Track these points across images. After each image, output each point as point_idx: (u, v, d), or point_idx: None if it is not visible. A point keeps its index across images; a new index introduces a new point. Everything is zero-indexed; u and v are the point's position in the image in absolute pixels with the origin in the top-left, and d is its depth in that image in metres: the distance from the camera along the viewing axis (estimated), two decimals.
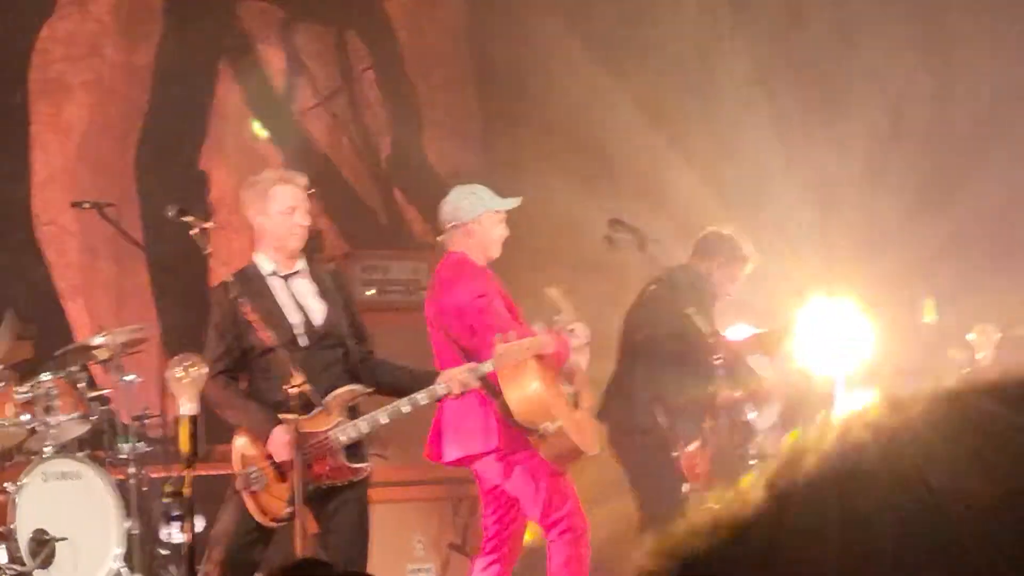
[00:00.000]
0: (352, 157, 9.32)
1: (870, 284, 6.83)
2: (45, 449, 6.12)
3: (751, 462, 6.84)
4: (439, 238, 5.60)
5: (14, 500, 5.89)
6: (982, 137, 7.91)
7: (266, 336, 4.89)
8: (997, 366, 6.61)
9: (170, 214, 5.13)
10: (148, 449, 6.58)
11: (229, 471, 5.19)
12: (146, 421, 6.70)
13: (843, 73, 8.14)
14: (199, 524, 5.22)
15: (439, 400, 5.20)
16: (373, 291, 7.62)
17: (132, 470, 6.39)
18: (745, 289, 6.51)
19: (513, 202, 5.56)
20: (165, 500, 6.06)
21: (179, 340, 6.68)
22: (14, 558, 5.85)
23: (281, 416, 4.91)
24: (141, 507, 6.31)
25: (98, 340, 6.45)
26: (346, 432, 4.97)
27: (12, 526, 5.87)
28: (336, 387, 5.00)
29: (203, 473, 5.42)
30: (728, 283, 6.36)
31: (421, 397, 5.02)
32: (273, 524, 4.99)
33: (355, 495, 5.07)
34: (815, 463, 0.89)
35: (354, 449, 5.04)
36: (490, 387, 5.27)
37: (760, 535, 0.87)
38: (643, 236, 5.89)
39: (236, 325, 4.97)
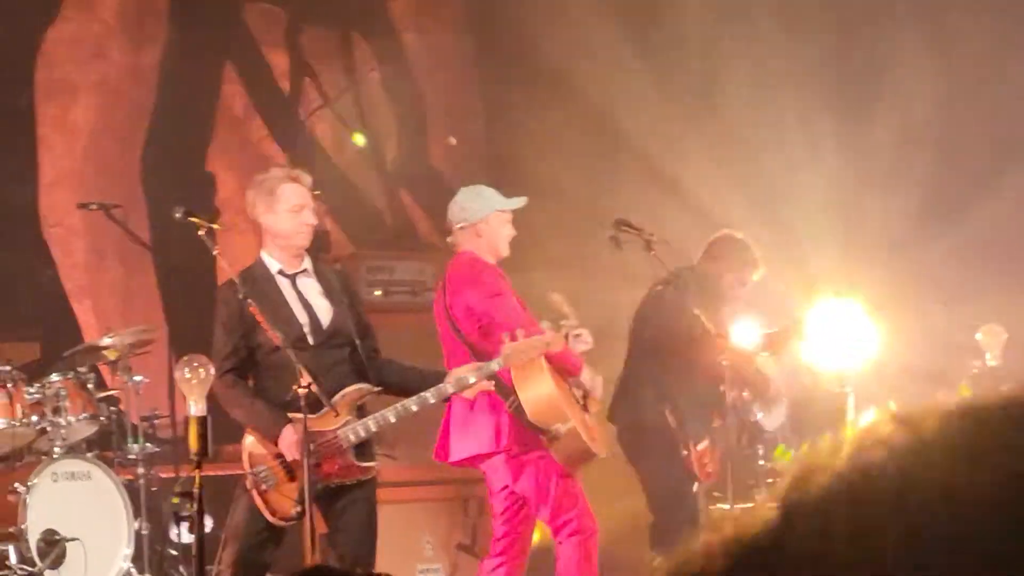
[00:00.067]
0: (357, 158, 9.33)
1: (878, 286, 6.83)
2: (55, 450, 6.13)
3: (760, 462, 6.86)
4: (448, 239, 5.61)
5: (24, 501, 5.90)
6: (995, 141, 7.91)
7: (273, 335, 4.89)
8: (1004, 366, 6.64)
9: (177, 215, 5.13)
10: (157, 450, 6.60)
11: (238, 471, 5.20)
12: (155, 422, 6.72)
13: (856, 75, 8.13)
14: (208, 524, 5.23)
15: (447, 399, 5.20)
16: (379, 292, 7.63)
17: (141, 470, 6.41)
18: (754, 289, 6.52)
19: (519, 202, 5.59)
20: (174, 500, 6.06)
21: (187, 341, 6.69)
22: (24, 558, 5.86)
23: (290, 415, 4.91)
24: (150, 507, 6.33)
25: (106, 341, 6.46)
26: (355, 431, 4.98)
27: (22, 526, 5.88)
28: (343, 386, 5.00)
29: (212, 473, 5.43)
30: (738, 287, 6.37)
31: (430, 396, 5.02)
32: (282, 523, 5.00)
33: (363, 494, 5.07)
34: (826, 481, 0.88)
35: (363, 448, 5.04)
36: (501, 387, 5.28)
37: (770, 554, 0.87)
38: (648, 236, 5.90)
39: (243, 323, 4.97)
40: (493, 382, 5.20)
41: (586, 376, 5.47)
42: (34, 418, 6.12)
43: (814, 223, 7.80)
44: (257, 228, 5.35)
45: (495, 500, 5.52)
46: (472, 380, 5.07)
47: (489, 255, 5.50)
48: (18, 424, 6.11)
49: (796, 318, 6.44)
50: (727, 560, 0.89)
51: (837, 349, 6.18)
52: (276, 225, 5.11)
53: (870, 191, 7.81)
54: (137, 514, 6.21)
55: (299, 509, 4.87)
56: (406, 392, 5.08)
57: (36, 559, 5.85)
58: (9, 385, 6.12)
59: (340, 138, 9.29)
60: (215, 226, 5.26)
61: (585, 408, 5.49)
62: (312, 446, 4.82)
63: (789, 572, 0.86)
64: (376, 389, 5.09)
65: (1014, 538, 0.82)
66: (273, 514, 4.97)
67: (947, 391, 6.83)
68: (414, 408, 5.00)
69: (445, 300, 5.49)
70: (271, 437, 4.97)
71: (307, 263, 5.18)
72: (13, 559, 5.89)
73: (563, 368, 5.38)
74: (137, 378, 6.50)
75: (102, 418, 6.37)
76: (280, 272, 5.14)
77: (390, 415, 5.00)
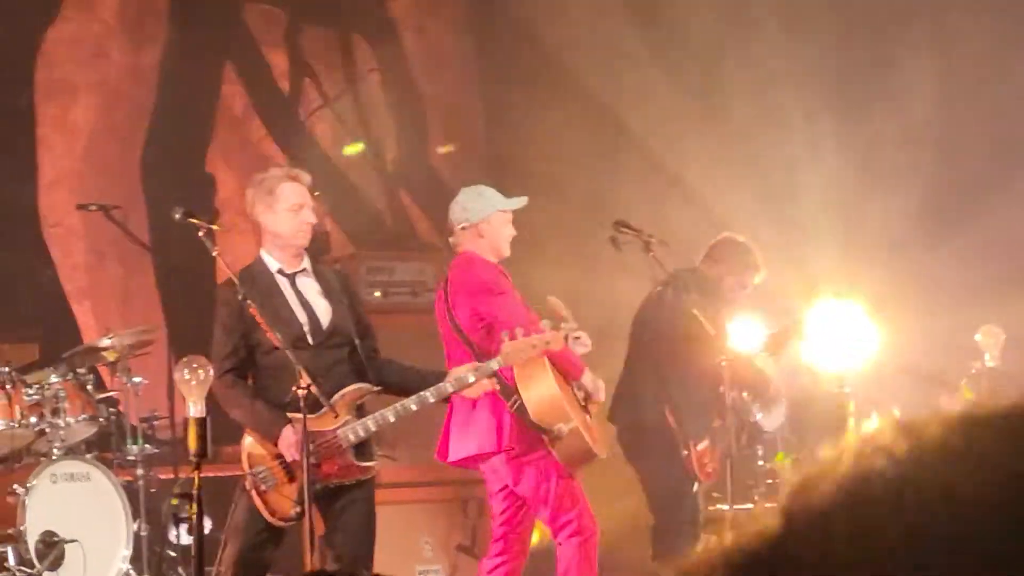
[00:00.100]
0: (357, 159, 9.33)
1: (878, 287, 6.83)
2: (54, 451, 6.12)
3: (759, 463, 6.86)
4: (450, 240, 5.61)
5: (23, 502, 5.90)
6: (996, 142, 7.90)
7: (273, 337, 4.89)
8: (1003, 367, 6.64)
9: (176, 216, 5.12)
10: (156, 451, 6.60)
11: (237, 472, 5.19)
12: (154, 423, 6.72)
13: (858, 75, 8.12)
14: (207, 526, 5.22)
15: (447, 399, 5.20)
16: (378, 293, 7.62)
17: (140, 472, 6.41)
18: (755, 289, 6.51)
19: (520, 202, 5.59)
20: (173, 502, 6.07)
21: (186, 342, 6.69)
22: (23, 560, 5.86)
23: (289, 415, 4.91)
24: (149, 509, 6.32)
25: (106, 342, 6.46)
26: (355, 431, 4.97)
27: (21, 528, 5.88)
28: (342, 386, 5.00)
29: (211, 475, 5.43)
30: (738, 290, 6.37)
31: (429, 395, 5.02)
32: (282, 524, 4.99)
33: (363, 494, 5.07)
34: (827, 489, 0.87)
35: (362, 448, 5.04)
36: (504, 386, 5.27)
37: (772, 561, 0.87)
38: (647, 237, 5.90)
39: (243, 323, 4.97)
40: (496, 382, 5.20)
41: (588, 379, 5.47)
42: (33, 419, 6.12)
43: (815, 223, 7.80)
44: (257, 229, 5.35)
45: (494, 500, 5.52)
46: (471, 379, 5.06)
47: (491, 255, 5.50)
48: (17, 425, 6.11)
49: (796, 318, 6.44)
50: (729, 569, 0.88)
51: (837, 349, 6.18)
52: (276, 224, 5.11)
53: (871, 191, 7.81)
54: (136, 515, 6.21)
55: (299, 509, 4.86)
56: (406, 392, 5.07)
57: (35, 560, 5.85)
58: (8, 386, 6.12)
59: (340, 138, 9.29)
60: (215, 227, 5.26)
61: (586, 409, 5.49)
62: (311, 446, 4.82)
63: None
64: (375, 389, 5.09)
65: (1014, 539, 0.82)
66: (272, 515, 4.97)
67: (946, 391, 6.83)
68: (414, 408, 5.00)
69: (447, 300, 5.49)
70: (271, 438, 4.96)
71: (306, 262, 5.18)
72: (12, 560, 5.88)
73: (565, 370, 5.38)
74: (136, 379, 6.50)
75: (101, 419, 6.36)
76: (279, 271, 5.13)
77: (389, 415, 4.99)
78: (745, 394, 6.47)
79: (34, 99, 8.23)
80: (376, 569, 5.15)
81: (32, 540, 5.88)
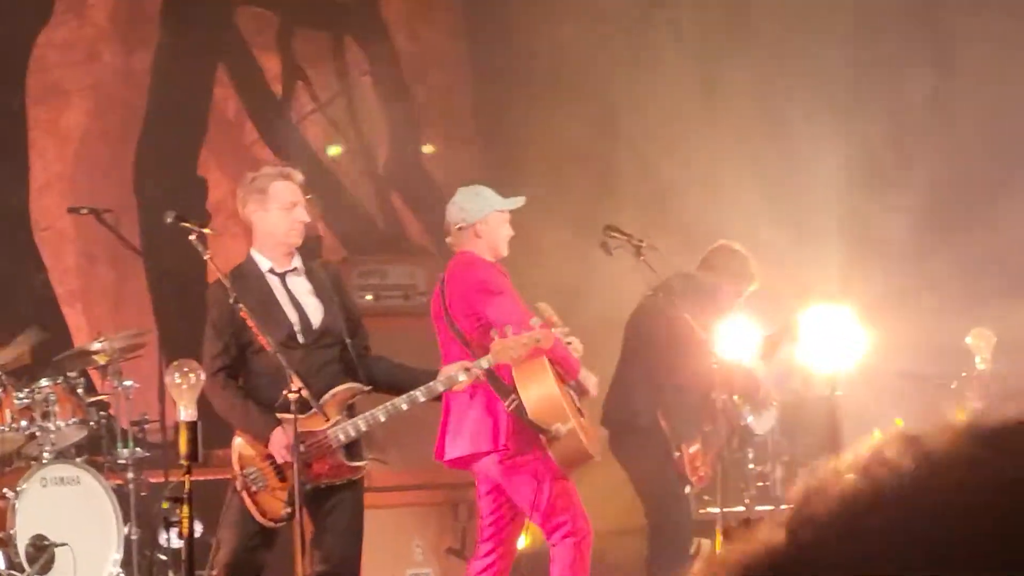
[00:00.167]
0: (349, 162, 9.33)
1: (871, 291, 6.85)
2: (44, 455, 6.11)
3: (750, 466, 6.87)
4: (447, 240, 5.60)
5: (13, 506, 5.89)
6: (995, 149, 7.92)
7: (264, 341, 4.89)
8: (994, 370, 6.65)
9: (168, 220, 5.12)
10: (147, 454, 6.58)
11: (228, 476, 5.19)
12: (145, 426, 6.71)
13: (854, 77, 8.13)
14: (198, 529, 5.22)
15: (438, 398, 5.19)
16: (370, 296, 7.62)
17: (131, 475, 6.39)
18: (749, 295, 6.53)
19: (518, 201, 5.58)
20: (164, 505, 6.06)
21: (177, 345, 6.68)
22: (13, 564, 5.85)
23: (280, 416, 4.91)
24: (140, 512, 6.31)
25: (96, 345, 6.45)
26: (345, 431, 4.97)
27: (11, 532, 5.86)
28: (333, 385, 5.00)
29: (202, 478, 5.42)
30: (733, 298, 6.39)
31: (419, 394, 5.01)
32: (272, 525, 4.99)
33: (352, 494, 5.07)
34: (832, 503, 0.87)
35: (352, 447, 5.03)
36: (501, 386, 5.27)
37: (779, 573, 0.86)
38: (637, 242, 5.92)
39: (233, 324, 4.96)
40: (491, 380, 5.20)
41: (582, 373, 5.47)
42: (23, 423, 6.11)
43: (811, 227, 7.80)
44: (248, 231, 5.34)
45: (483, 501, 5.52)
46: (462, 378, 5.06)
47: (488, 255, 5.50)
48: (7, 429, 6.10)
49: (790, 322, 6.45)
50: None
51: (828, 353, 6.19)
52: (268, 223, 5.09)
53: (868, 195, 7.82)
54: (127, 519, 6.20)
55: (289, 510, 4.86)
56: (396, 390, 5.06)
57: (25, 564, 5.84)
58: None
59: (332, 141, 9.29)
60: (206, 230, 5.25)
61: (580, 412, 5.50)
62: (302, 447, 4.82)
63: None
64: (366, 389, 5.08)
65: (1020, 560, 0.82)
66: (263, 515, 4.97)
67: (937, 394, 6.84)
68: (404, 407, 5.00)
69: (444, 300, 5.48)
70: (261, 439, 4.96)
71: (297, 261, 5.17)
72: (2, 564, 5.87)
73: (562, 368, 5.37)
74: (127, 383, 6.49)
75: (92, 423, 6.35)
76: (270, 271, 5.12)
77: (380, 414, 4.99)
78: (736, 398, 6.49)
79: (26, 102, 8.22)
80: (366, 572, 5.15)
81: (22, 544, 5.87)
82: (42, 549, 5.88)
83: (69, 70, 8.39)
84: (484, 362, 5.08)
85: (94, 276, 8.30)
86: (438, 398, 5.19)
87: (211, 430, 5.57)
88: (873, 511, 0.85)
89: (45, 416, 6.12)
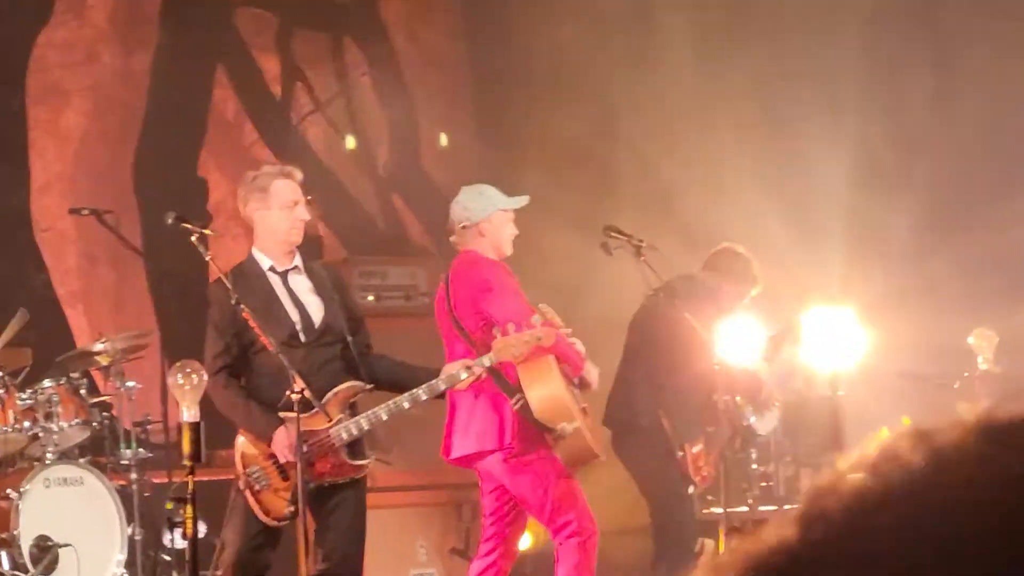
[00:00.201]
0: (349, 163, 9.33)
1: (872, 292, 6.86)
2: (47, 455, 6.11)
3: (753, 466, 6.88)
4: (451, 238, 5.60)
5: (16, 506, 5.89)
6: (994, 153, 7.92)
7: (266, 341, 4.89)
8: (996, 370, 6.66)
9: (169, 220, 5.12)
10: (150, 455, 6.59)
11: (231, 476, 5.19)
12: (147, 427, 6.71)
13: (853, 79, 8.14)
14: (201, 530, 5.22)
15: (441, 395, 5.19)
16: (371, 297, 7.62)
17: (134, 476, 6.40)
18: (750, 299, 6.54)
19: (522, 200, 5.59)
20: (167, 506, 6.06)
21: (179, 346, 6.68)
22: (17, 564, 5.85)
23: (282, 415, 4.91)
24: (143, 513, 6.32)
25: (98, 346, 6.45)
26: (347, 429, 4.97)
27: (15, 532, 5.86)
28: (335, 384, 5.00)
29: (205, 478, 5.43)
30: (735, 300, 6.40)
31: (422, 392, 5.01)
32: (275, 523, 4.99)
33: (354, 493, 5.07)
34: (844, 499, 0.87)
35: (355, 446, 5.04)
36: (506, 384, 5.28)
37: (788, 574, 0.87)
38: (638, 243, 5.93)
39: (235, 323, 4.97)
40: (496, 379, 5.21)
41: (586, 367, 5.48)
42: (26, 424, 6.11)
43: (812, 227, 7.81)
44: (248, 230, 5.34)
45: (487, 499, 5.52)
46: (463, 376, 5.06)
47: (492, 254, 5.51)
48: (10, 430, 6.09)
49: (791, 322, 6.46)
50: None
51: (830, 353, 6.20)
52: (270, 221, 5.10)
53: (869, 197, 7.82)
54: (130, 520, 6.20)
55: (292, 509, 4.87)
56: (398, 388, 5.07)
57: (29, 565, 5.84)
58: (1, 391, 6.11)
59: (331, 142, 9.29)
60: (207, 231, 5.27)
61: (584, 411, 5.51)
62: (305, 446, 4.82)
63: None
64: (368, 387, 5.08)
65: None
66: (267, 514, 4.97)
67: (939, 394, 6.85)
68: (406, 406, 5.00)
69: (448, 298, 5.49)
70: (264, 439, 4.96)
71: (298, 260, 5.18)
72: (6, 565, 5.87)
73: (565, 364, 5.38)
74: (130, 383, 6.49)
75: (94, 423, 6.35)
76: (271, 269, 5.13)
77: (382, 413, 4.99)
78: (738, 398, 6.50)
79: (26, 103, 8.22)
80: (370, 572, 5.16)
81: (26, 545, 5.87)
82: (46, 550, 5.88)
83: (69, 71, 8.38)
84: (486, 360, 5.08)
85: (95, 277, 8.30)
86: (440, 396, 5.19)
87: (214, 430, 5.58)
88: (883, 508, 0.85)
89: (48, 417, 6.12)
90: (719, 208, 7.67)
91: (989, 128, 7.92)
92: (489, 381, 5.29)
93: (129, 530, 6.16)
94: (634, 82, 8.49)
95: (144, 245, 7.91)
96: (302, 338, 5.03)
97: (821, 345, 5.94)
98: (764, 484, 6.91)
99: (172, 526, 6.01)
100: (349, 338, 5.09)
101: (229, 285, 4.94)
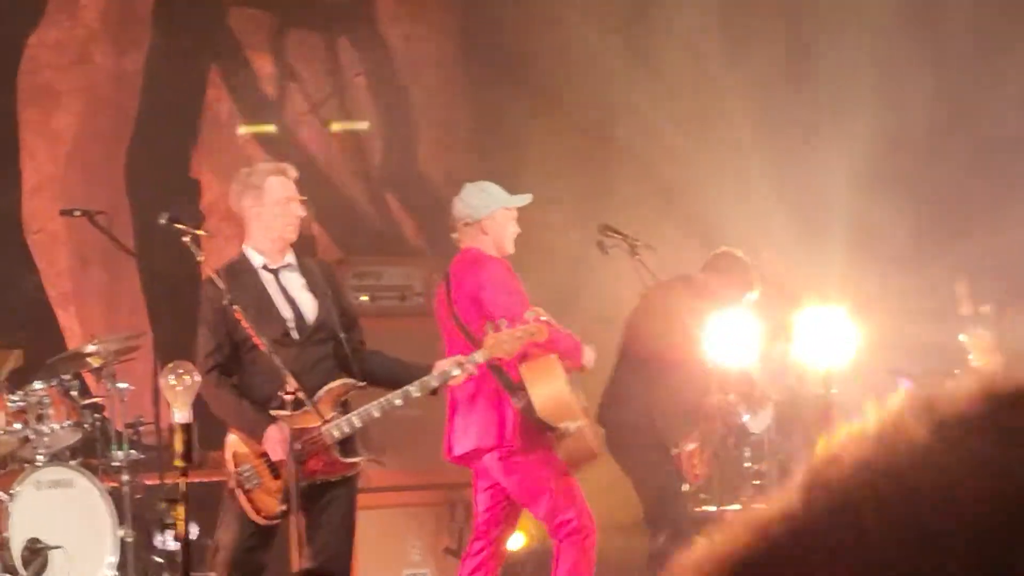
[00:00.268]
0: (344, 163, 9.32)
1: (866, 292, 6.86)
2: (38, 457, 6.10)
3: (746, 464, 6.88)
4: (453, 236, 5.60)
5: (7, 509, 5.87)
6: (991, 151, 7.92)
7: (259, 342, 4.88)
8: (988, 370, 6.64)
9: (162, 221, 5.11)
10: (141, 457, 6.57)
11: (224, 478, 5.18)
12: (139, 428, 6.69)
13: (853, 80, 8.13)
14: (193, 531, 5.21)
15: (434, 392, 5.17)
16: (366, 297, 7.61)
17: (125, 478, 6.38)
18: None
19: (525, 199, 5.59)
20: (159, 508, 6.05)
21: (172, 347, 6.66)
22: (7, 567, 5.83)
23: (274, 413, 4.90)
24: (135, 515, 6.30)
25: (90, 348, 6.44)
26: (339, 427, 4.96)
27: (5, 535, 5.85)
28: (328, 381, 4.99)
29: (197, 480, 5.41)
30: (732, 302, 6.41)
31: (413, 389, 4.99)
32: (267, 522, 4.98)
33: (345, 491, 5.06)
34: (849, 466, 0.87)
35: (347, 444, 5.02)
36: (509, 383, 5.27)
37: (792, 541, 0.86)
38: (633, 241, 5.92)
39: (227, 322, 4.95)
40: (498, 377, 5.20)
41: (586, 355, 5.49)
42: (17, 426, 6.09)
43: (807, 229, 7.81)
44: (241, 231, 5.33)
45: (480, 496, 5.52)
46: (455, 373, 5.05)
47: (494, 252, 5.51)
48: (1, 432, 6.08)
49: (784, 322, 6.46)
50: (748, 549, 0.87)
51: (822, 352, 6.20)
52: (265, 218, 5.08)
53: (866, 200, 7.82)
54: (122, 521, 6.19)
55: (284, 507, 4.85)
56: (392, 384, 5.05)
57: (19, 568, 5.82)
58: None
59: (326, 143, 9.27)
60: (200, 232, 5.26)
61: (585, 411, 5.51)
62: (297, 444, 4.81)
63: (811, 558, 0.85)
64: (360, 384, 5.07)
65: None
66: (258, 513, 4.96)
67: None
68: (398, 403, 4.99)
69: (449, 296, 5.48)
70: (255, 437, 4.95)
71: (291, 257, 5.17)
72: None
73: (564, 356, 5.37)
74: (121, 385, 6.47)
75: (86, 425, 6.34)
76: (264, 267, 5.12)
77: (374, 410, 4.98)
78: (732, 397, 6.50)
79: (17, 104, 8.20)
80: (363, 572, 5.14)
81: (17, 547, 5.85)
82: (37, 552, 5.86)
83: (61, 71, 8.36)
84: (478, 356, 5.07)
85: (87, 278, 8.28)
86: (434, 393, 5.17)
87: (206, 432, 5.57)
88: (887, 477, 0.85)
89: (39, 419, 6.11)
90: (718, 209, 7.66)
91: (989, 129, 7.92)
92: (490, 379, 5.29)
93: (120, 532, 6.14)
94: (632, 83, 8.48)
95: (136, 246, 7.89)
96: (295, 336, 5.02)
97: (814, 343, 5.95)
98: (757, 482, 6.91)
99: (164, 528, 6.00)
100: (342, 335, 5.08)
101: (222, 284, 4.93)
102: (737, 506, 6.73)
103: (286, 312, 5.05)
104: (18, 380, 6.32)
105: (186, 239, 5.03)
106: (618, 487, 6.36)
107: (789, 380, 6.98)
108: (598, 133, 8.54)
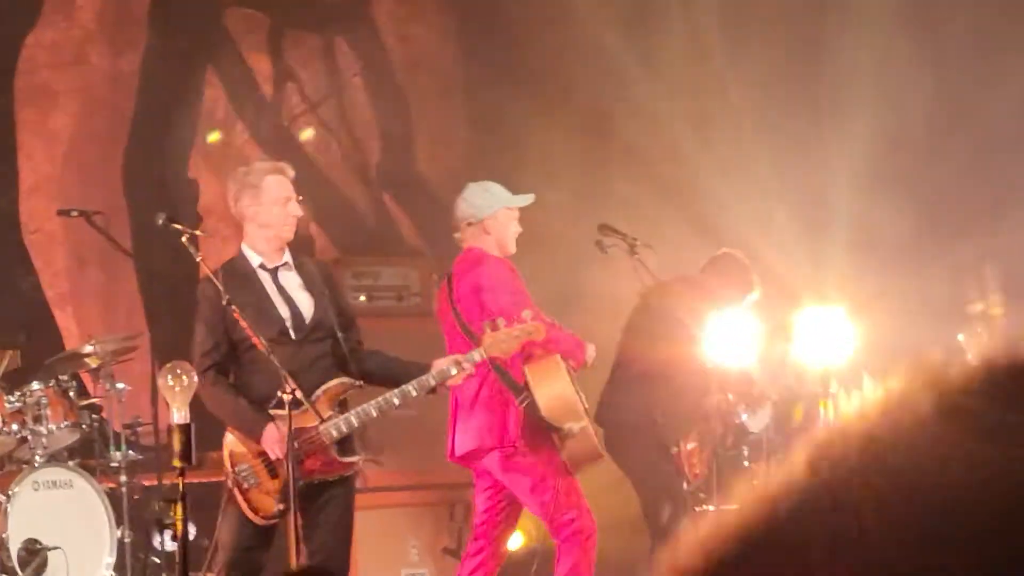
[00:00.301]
0: (341, 163, 9.30)
1: (866, 292, 6.86)
2: (36, 458, 6.08)
3: (745, 463, 6.88)
4: (455, 235, 5.59)
5: (5, 509, 5.86)
6: (991, 152, 7.92)
7: (257, 342, 4.87)
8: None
9: (159, 221, 5.10)
10: (139, 457, 6.56)
11: (222, 478, 5.17)
12: (137, 429, 6.68)
13: (852, 81, 8.13)
14: (191, 532, 5.19)
15: (432, 390, 5.16)
16: (363, 297, 7.60)
17: (123, 478, 6.37)
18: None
19: (528, 198, 5.59)
20: (157, 508, 6.03)
21: (169, 348, 6.65)
22: (6, 568, 5.82)
23: (272, 412, 4.89)
24: (133, 515, 6.29)
25: (88, 348, 6.42)
26: (337, 426, 4.95)
27: (3, 535, 5.84)
28: (325, 380, 4.98)
29: (195, 481, 5.40)
30: (731, 304, 6.41)
31: (411, 388, 4.99)
32: (265, 522, 4.97)
33: (343, 490, 5.06)
34: (855, 443, 0.87)
35: (345, 443, 5.01)
36: (512, 383, 5.26)
37: (797, 517, 0.86)
38: (632, 241, 5.92)
39: (224, 321, 4.95)
40: (501, 377, 5.20)
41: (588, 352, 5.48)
42: (15, 427, 6.08)
43: (807, 229, 7.81)
44: (239, 231, 5.32)
45: (481, 496, 5.51)
46: (454, 372, 5.04)
47: (497, 251, 5.51)
48: None
49: (784, 322, 6.47)
50: (752, 525, 0.88)
51: (820, 351, 6.20)
52: (262, 217, 5.08)
53: (866, 200, 7.81)
54: (119, 522, 6.18)
55: (282, 506, 4.84)
56: (390, 383, 5.04)
57: (17, 569, 5.81)
58: None
59: (324, 143, 9.26)
60: (197, 232, 5.25)
61: (586, 411, 5.51)
62: (295, 443, 4.80)
63: (816, 535, 0.85)
64: (358, 384, 5.06)
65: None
66: (255, 512, 4.95)
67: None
68: (396, 402, 4.98)
69: (451, 295, 5.47)
70: (253, 436, 4.94)
71: (287, 256, 5.16)
72: None
73: (565, 355, 5.37)
74: (119, 385, 6.46)
75: (84, 426, 6.33)
76: (261, 266, 5.11)
77: (372, 409, 4.97)
78: (730, 396, 6.50)
79: (13, 105, 8.18)
80: (362, 572, 5.13)
81: (15, 547, 5.84)
82: (35, 553, 5.85)
83: (57, 72, 8.34)
84: (476, 355, 5.07)
85: (84, 279, 8.26)
86: (432, 391, 5.16)
87: (204, 432, 5.54)
88: (892, 453, 0.85)
89: (37, 419, 6.09)
90: (718, 209, 7.66)
91: (989, 129, 7.91)
92: (493, 379, 5.28)
93: (118, 533, 6.13)
94: (630, 83, 8.47)
95: (134, 246, 7.88)
96: (292, 335, 5.01)
97: (813, 343, 5.95)
98: (755, 482, 6.89)
99: (162, 528, 5.98)
100: (340, 334, 5.07)
101: (219, 283, 4.92)
102: (735, 506, 6.72)
103: (283, 311, 5.05)
104: (16, 381, 6.30)
105: (184, 239, 5.02)
106: (618, 487, 6.36)
107: (787, 379, 6.98)
108: (598, 133, 8.53)
